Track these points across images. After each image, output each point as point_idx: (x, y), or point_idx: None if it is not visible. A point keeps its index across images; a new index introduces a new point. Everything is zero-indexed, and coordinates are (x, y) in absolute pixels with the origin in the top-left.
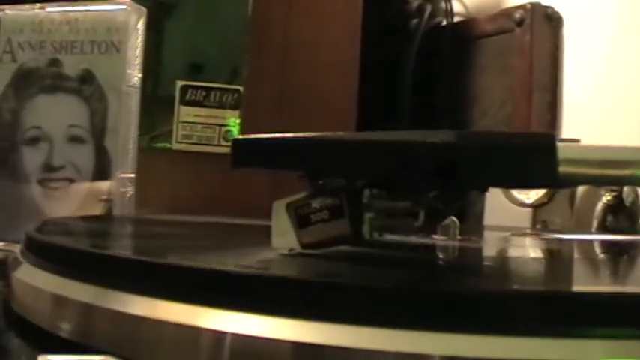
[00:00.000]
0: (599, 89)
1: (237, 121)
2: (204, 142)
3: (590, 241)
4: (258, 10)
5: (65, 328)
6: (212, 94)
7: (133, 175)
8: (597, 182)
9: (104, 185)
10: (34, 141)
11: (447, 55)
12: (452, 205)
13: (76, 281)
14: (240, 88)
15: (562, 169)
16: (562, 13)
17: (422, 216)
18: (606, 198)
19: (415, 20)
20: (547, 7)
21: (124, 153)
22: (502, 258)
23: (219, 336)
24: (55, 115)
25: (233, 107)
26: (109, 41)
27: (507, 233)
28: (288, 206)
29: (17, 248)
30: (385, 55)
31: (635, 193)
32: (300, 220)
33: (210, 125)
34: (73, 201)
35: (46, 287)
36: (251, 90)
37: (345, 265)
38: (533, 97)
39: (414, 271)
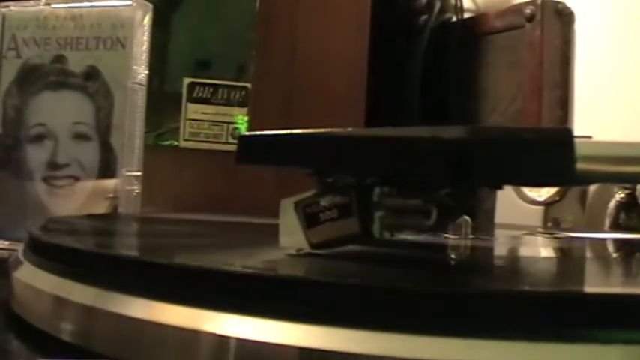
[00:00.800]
0: (611, 85)
1: (245, 118)
2: (211, 139)
3: (604, 240)
4: (265, 6)
5: (66, 331)
6: (219, 91)
7: (139, 173)
8: (614, 179)
9: (109, 183)
10: (39, 138)
11: (456, 52)
12: (463, 203)
13: (77, 282)
14: (248, 85)
15: (579, 165)
16: (573, 9)
17: (434, 214)
18: (619, 195)
19: (424, 16)
20: (557, 2)
21: (130, 150)
22: (515, 258)
23: (222, 340)
24: (59, 111)
25: (241, 104)
26: (115, 37)
27: (520, 232)
28: (296, 205)
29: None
30: (394, 51)
31: None
32: (309, 218)
33: (217, 123)
34: (78, 199)
35: (46, 288)
36: (259, 87)
37: (354, 266)
38: (544, 93)
39: (427, 274)
